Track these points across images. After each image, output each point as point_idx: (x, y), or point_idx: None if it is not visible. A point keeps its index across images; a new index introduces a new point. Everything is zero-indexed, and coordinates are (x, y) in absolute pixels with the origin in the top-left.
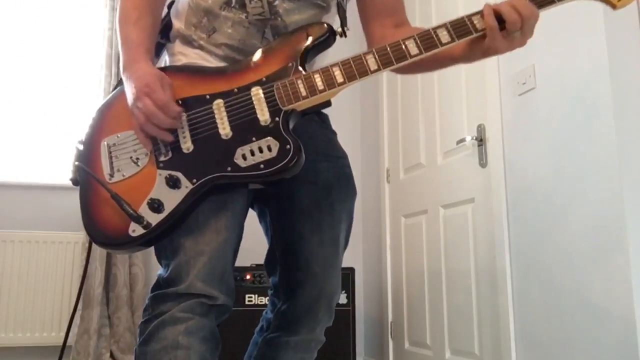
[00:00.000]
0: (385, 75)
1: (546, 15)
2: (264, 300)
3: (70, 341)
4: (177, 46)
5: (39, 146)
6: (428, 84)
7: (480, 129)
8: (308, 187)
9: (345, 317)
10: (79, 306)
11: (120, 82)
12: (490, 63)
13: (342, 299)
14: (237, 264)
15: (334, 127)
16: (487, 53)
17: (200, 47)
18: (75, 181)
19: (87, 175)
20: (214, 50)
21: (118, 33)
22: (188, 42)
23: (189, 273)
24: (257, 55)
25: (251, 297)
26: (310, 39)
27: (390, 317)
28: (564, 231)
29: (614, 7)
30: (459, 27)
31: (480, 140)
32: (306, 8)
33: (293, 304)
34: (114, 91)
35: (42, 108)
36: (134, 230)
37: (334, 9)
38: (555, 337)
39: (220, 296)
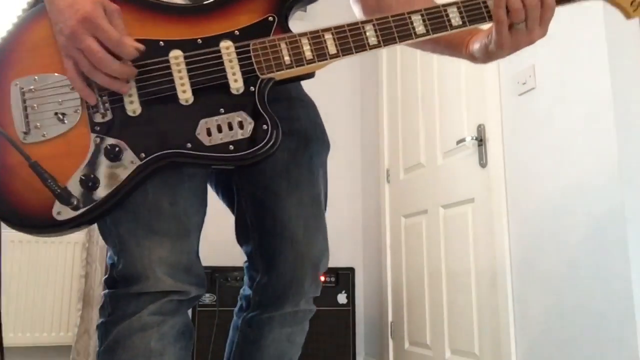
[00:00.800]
0: (385, 74)
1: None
2: None
3: (70, 341)
4: None
5: None
6: (428, 84)
7: (480, 129)
8: (282, 138)
9: (345, 317)
10: (79, 306)
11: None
12: (490, 63)
13: (342, 299)
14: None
15: (333, 127)
16: (490, 54)
17: None
18: None
19: None
20: None
21: None
22: None
23: (151, 268)
24: (225, 0)
25: None
26: None
27: (390, 317)
28: (564, 231)
29: (628, 16)
30: (473, 10)
31: (480, 140)
32: None
33: (274, 276)
34: (31, 10)
35: None
36: (59, 213)
37: None
38: (555, 337)
39: (192, 289)
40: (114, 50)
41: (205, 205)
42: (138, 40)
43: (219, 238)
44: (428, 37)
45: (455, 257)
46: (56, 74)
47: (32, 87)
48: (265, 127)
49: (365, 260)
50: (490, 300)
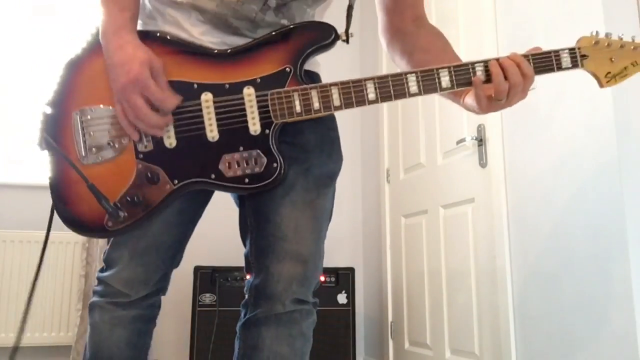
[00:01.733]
0: None
1: (546, 15)
2: None
3: (70, 341)
4: (159, 3)
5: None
6: None
7: (480, 129)
8: (284, 147)
9: (345, 317)
10: (79, 306)
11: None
12: None
13: (342, 299)
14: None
15: None
16: (465, 107)
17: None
18: (42, 146)
19: (56, 152)
20: (201, 5)
21: None
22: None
23: (113, 270)
24: (252, 47)
25: None
26: (312, 41)
27: (390, 317)
28: (564, 231)
29: (601, 85)
30: (461, 74)
31: (480, 140)
32: None
33: (264, 275)
34: (87, 46)
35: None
36: (109, 224)
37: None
38: (555, 337)
39: (141, 293)
40: (156, 105)
41: (184, 225)
42: (175, 82)
43: (219, 239)
44: (419, 96)
45: (455, 257)
46: (109, 107)
47: (89, 116)
48: (275, 165)
49: (365, 260)
50: (490, 300)
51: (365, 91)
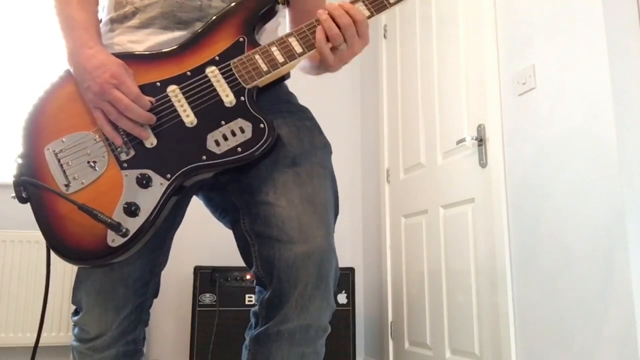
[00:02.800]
0: (385, 74)
1: (546, 15)
2: None
3: (70, 341)
4: (105, 37)
5: None
6: (428, 84)
7: (480, 129)
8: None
9: (345, 317)
10: None
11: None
12: (490, 63)
13: (342, 299)
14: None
15: (333, 127)
16: (324, 70)
17: (132, 16)
18: (22, 199)
19: (38, 190)
20: (147, 16)
21: (57, 12)
22: (115, 22)
23: (82, 311)
24: (200, 33)
25: (251, 297)
26: (254, 8)
27: (390, 317)
28: (564, 231)
29: None
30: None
31: (480, 140)
32: None
33: (276, 284)
34: (43, 91)
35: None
36: (113, 240)
37: None
38: (555, 337)
39: (116, 330)
40: (133, 101)
41: (149, 251)
42: (139, 86)
43: (219, 239)
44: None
45: (455, 257)
46: (80, 132)
47: (62, 147)
48: (262, 125)
49: (365, 260)
50: (490, 300)
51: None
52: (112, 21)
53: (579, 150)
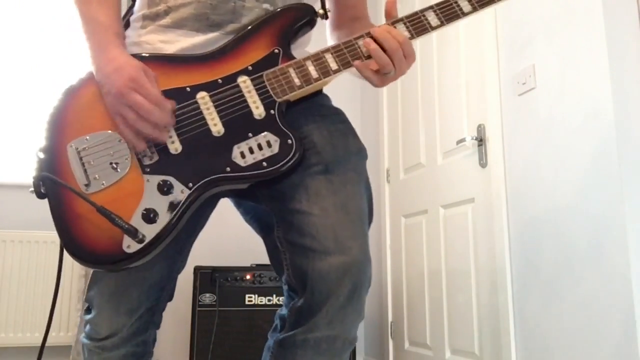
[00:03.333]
0: None
1: (546, 15)
2: (264, 300)
3: (70, 341)
4: (136, 33)
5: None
6: (428, 84)
7: (480, 129)
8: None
9: None
10: (79, 306)
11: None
12: (490, 63)
13: None
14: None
15: None
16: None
17: (164, 15)
18: (40, 194)
19: (57, 187)
20: (180, 16)
21: (78, 14)
22: (147, 19)
23: (94, 310)
24: (235, 40)
25: (251, 297)
26: (293, 20)
27: (390, 317)
28: (564, 231)
29: None
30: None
31: (480, 140)
32: None
33: (309, 293)
34: (69, 87)
35: (43, 108)
36: (129, 246)
37: None
38: (555, 337)
39: (127, 331)
40: (153, 104)
41: (169, 258)
42: (167, 90)
43: (219, 239)
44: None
45: (455, 257)
46: (104, 131)
47: (85, 146)
48: (289, 141)
49: None
50: (490, 300)
51: (359, 48)
52: (145, 17)
53: (579, 150)
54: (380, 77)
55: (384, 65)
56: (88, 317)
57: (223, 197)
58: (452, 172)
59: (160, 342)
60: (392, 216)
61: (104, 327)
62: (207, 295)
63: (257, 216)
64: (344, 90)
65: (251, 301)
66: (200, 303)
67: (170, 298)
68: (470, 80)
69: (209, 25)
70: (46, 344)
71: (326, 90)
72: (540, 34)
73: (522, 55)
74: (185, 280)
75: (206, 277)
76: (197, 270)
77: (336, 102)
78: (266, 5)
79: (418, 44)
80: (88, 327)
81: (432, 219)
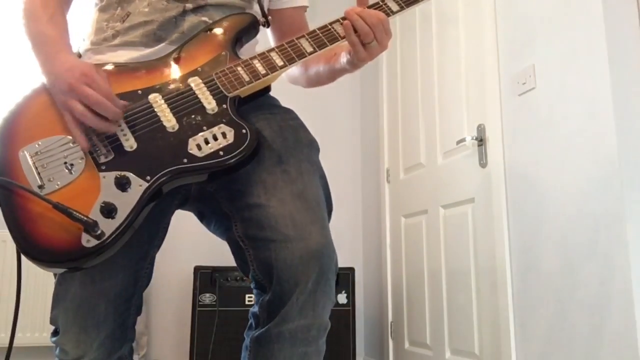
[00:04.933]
0: (385, 74)
1: (546, 15)
2: None
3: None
4: (86, 57)
5: None
6: (428, 84)
7: (480, 129)
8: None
9: (345, 317)
10: None
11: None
12: (490, 63)
13: (342, 299)
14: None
15: (333, 128)
16: (356, 65)
17: (112, 39)
18: None
19: (7, 191)
20: (128, 38)
21: (26, 31)
22: (95, 44)
23: (61, 331)
24: (182, 49)
25: (251, 297)
26: (236, 26)
27: (390, 317)
28: (564, 231)
29: None
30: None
31: (480, 140)
32: None
33: (276, 284)
34: (21, 97)
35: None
36: (88, 241)
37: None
38: (555, 336)
39: (98, 350)
40: (104, 97)
41: (132, 264)
42: (120, 94)
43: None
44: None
45: (455, 257)
46: (55, 136)
47: (36, 151)
48: (244, 131)
49: (365, 260)
50: (490, 300)
51: (301, 45)
52: (93, 44)
53: (579, 150)
54: (365, 48)
55: (366, 33)
56: (54, 339)
57: (181, 207)
58: (452, 172)
59: (160, 342)
60: (392, 216)
61: (72, 347)
62: (207, 295)
63: (219, 221)
64: (344, 91)
65: (251, 301)
66: (200, 303)
67: (139, 312)
68: (470, 80)
69: (155, 40)
70: (46, 344)
71: (327, 90)
72: (540, 34)
73: (522, 55)
74: (185, 280)
75: (206, 277)
76: (197, 270)
77: (336, 102)
78: (205, 19)
79: (418, 44)
80: (57, 349)
81: (432, 219)
